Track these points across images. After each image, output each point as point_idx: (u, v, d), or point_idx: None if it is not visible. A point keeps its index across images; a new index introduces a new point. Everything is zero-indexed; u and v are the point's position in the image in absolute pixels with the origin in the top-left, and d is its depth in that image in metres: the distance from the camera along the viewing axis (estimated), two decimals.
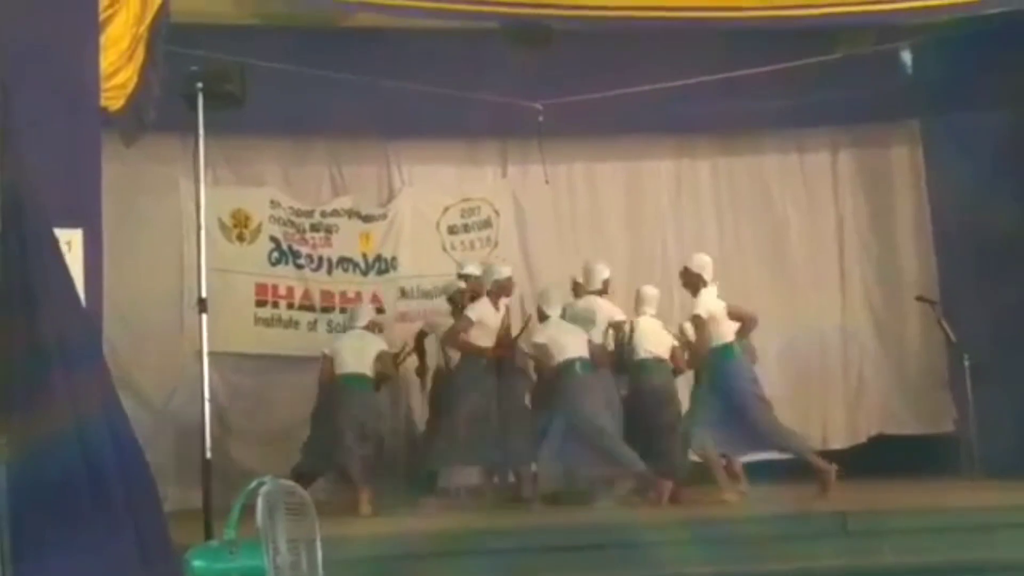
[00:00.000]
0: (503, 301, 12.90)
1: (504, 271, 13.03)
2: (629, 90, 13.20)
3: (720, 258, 13.55)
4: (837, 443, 14.95)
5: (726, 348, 12.13)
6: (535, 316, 13.04)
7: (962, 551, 9.70)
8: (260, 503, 6.82)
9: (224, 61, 9.73)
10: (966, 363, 13.74)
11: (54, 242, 8.40)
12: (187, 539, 7.93)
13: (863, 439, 15.06)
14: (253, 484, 6.93)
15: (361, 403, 12.46)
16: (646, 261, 14.99)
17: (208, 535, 8.27)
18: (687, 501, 12.05)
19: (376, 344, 12.80)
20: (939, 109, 14.54)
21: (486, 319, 12.64)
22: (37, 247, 8.37)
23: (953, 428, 14.51)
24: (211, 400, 9.07)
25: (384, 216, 14.93)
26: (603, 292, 13.17)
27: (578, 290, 13.29)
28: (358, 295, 14.52)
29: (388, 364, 12.80)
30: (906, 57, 14.11)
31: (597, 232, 15.21)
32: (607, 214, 15.37)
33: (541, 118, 13.71)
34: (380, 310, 14.12)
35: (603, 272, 13.18)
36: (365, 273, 14.77)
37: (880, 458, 14.42)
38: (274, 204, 14.53)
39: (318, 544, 6.92)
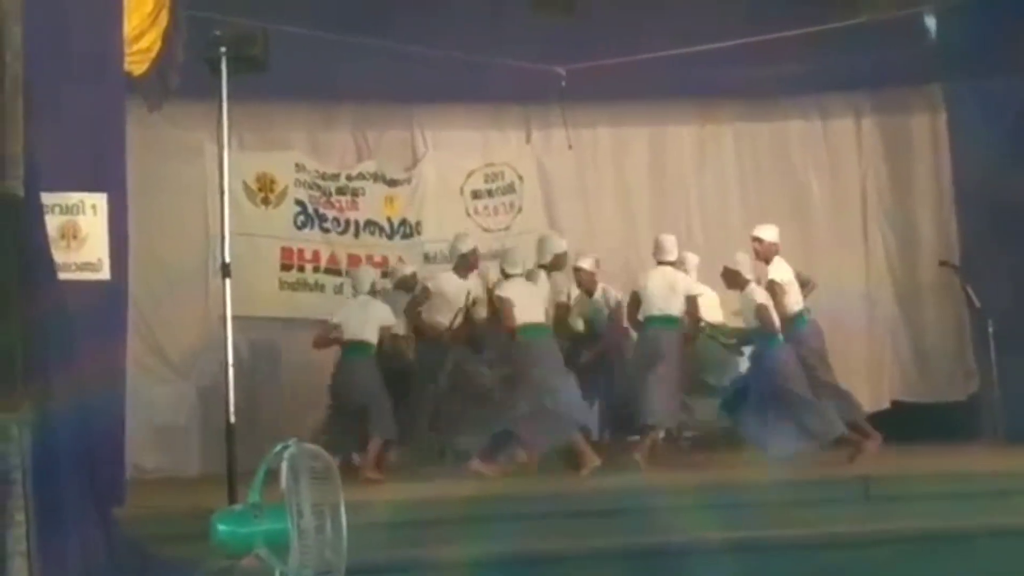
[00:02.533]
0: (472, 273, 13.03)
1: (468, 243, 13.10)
2: (652, 55, 13.19)
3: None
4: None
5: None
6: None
7: (985, 516, 9.69)
8: (284, 467, 6.85)
9: (247, 25, 9.72)
10: (990, 328, 13.73)
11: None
12: (212, 503, 7.98)
13: (886, 404, 15.04)
14: (277, 448, 6.96)
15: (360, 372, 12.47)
16: (669, 225, 14.93)
17: (232, 499, 8.32)
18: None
19: (382, 312, 12.71)
20: (963, 74, 14.45)
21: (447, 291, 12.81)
22: (43, 218, 8.44)
23: (976, 393, 14.51)
24: (236, 364, 9.10)
25: (409, 180, 14.93)
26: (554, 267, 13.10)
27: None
28: (384, 259, 14.54)
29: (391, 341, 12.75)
30: (929, 21, 14.01)
31: (621, 196, 15.20)
32: (631, 178, 15.36)
33: (564, 83, 13.74)
34: (384, 274, 14.09)
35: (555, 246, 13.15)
36: (391, 237, 14.78)
37: (903, 423, 14.39)
38: (299, 168, 14.53)
39: (342, 508, 6.94)
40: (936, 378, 15.07)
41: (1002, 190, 13.86)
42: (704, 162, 15.48)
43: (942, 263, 14.68)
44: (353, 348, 12.41)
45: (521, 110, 15.23)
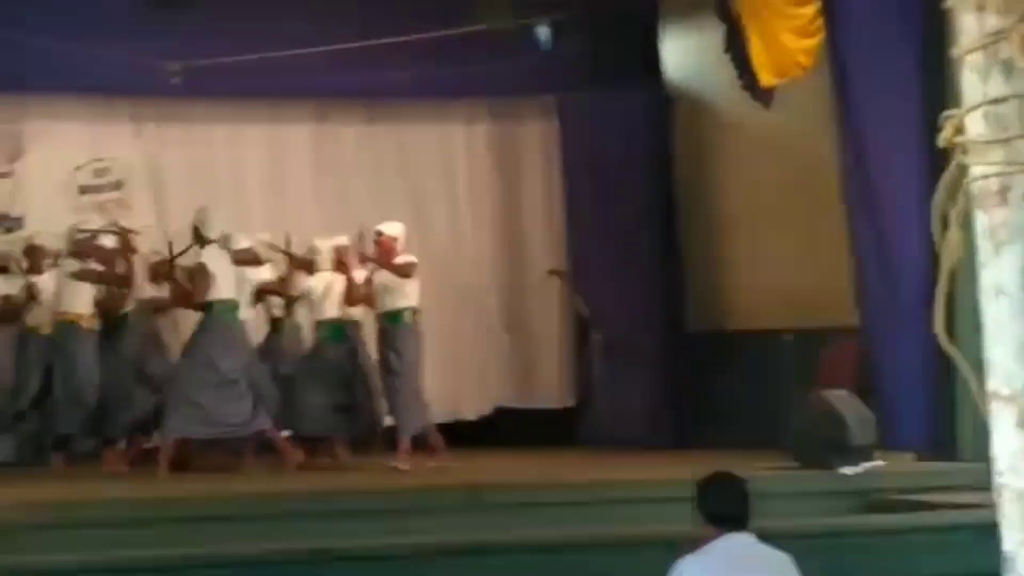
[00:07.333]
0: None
1: None
2: (267, 55, 13.12)
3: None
4: (468, 414, 15.06)
5: None
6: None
7: (592, 524, 9.81)
8: None
9: None
10: (596, 337, 14.03)
11: None
12: None
13: (489, 410, 15.19)
14: None
15: None
16: (289, 224, 14.76)
17: None
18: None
19: None
20: (575, 85, 14.74)
21: None
22: None
23: (580, 401, 14.81)
24: None
25: (12, 173, 14.39)
26: None
27: None
28: None
29: None
30: (543, 32, 14.18)
31: (238, 195, 14.93)
32: (248, 177, 15.14)
33: (178, 79, 13.46)
34: None
35: None
36: None
37: (508, 429, 14.62)
38: None
39: None
40: (542, 385, 15.33)
41: (608, 201, 14.20)
42: (322, 162, 15.34)
43: (551, 272, 14.90)
44: None
45: (133, 104, 14.77)
